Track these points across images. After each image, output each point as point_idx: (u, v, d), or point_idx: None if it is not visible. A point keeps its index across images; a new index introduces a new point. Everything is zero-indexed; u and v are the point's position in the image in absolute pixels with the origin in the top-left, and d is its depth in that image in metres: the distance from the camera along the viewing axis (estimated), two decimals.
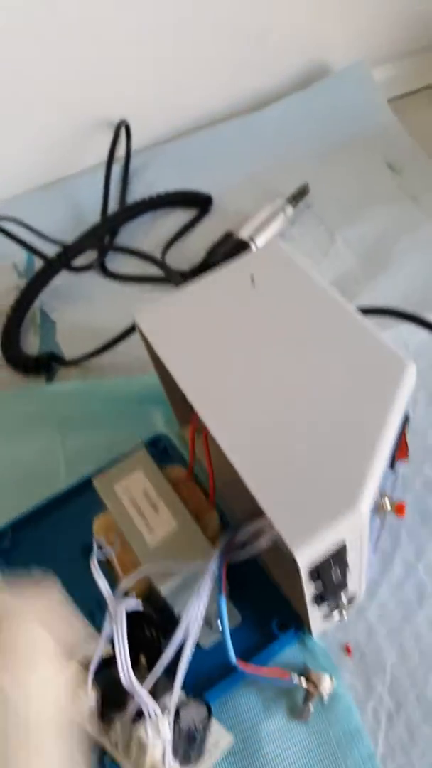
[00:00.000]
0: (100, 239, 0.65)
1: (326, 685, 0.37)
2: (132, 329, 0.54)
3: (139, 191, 0.72)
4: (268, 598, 0.40)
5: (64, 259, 0.62)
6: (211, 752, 0.34)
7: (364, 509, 0.29)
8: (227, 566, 0.34)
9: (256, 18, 0.73)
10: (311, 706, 0.37)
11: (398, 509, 0.33)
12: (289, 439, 0.32)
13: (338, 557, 0.30)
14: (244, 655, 0.38)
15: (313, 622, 0.36)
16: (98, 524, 0.39)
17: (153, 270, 0.62)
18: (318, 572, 0.30)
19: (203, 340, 0.37)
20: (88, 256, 0.65)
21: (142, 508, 0.38)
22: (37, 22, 0.64)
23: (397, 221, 0.64)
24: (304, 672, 0.37)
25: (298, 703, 0.37)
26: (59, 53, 0.67)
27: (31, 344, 0.60)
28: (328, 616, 0.37)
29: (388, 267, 0.60)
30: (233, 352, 0.36)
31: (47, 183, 0.75)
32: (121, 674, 0.30)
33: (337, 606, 0.37)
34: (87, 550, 0.44)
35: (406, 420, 0.35)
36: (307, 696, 0.37)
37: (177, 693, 0.31)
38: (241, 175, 0.71)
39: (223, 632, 0.33)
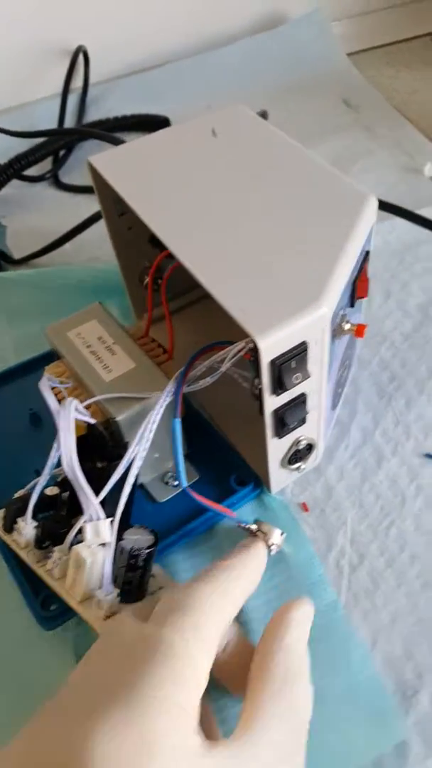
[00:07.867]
0: (54, 152, 0.64)
1: (276, 538, 0.35)
2: (82, 226, 0.53)
3: (96, 118, 0.71)
4: (226, 461, 0.39)
5: (16, 167, 0.60)
6: (154, 595, 0.32)
7: (326, 310, 0.29)
8: (184, 402, 0.33)
9: None
10: None
11: (358, 330, 0.33)
12: (251, 253, 0.31)
13: (300, 359, 0.29)
14: (201, 510, 0.37)
15: (271, 465, 0.35)
16: (50, 370, 0.37)
17: None
18: (279, 373, 0.29)
19: (161, 178, 0.36)
20: (42, 169, 0.64)
21: (97, 351, 0.36)
22: None
23: (352, 147, 0.65)
24: (256, 523, 0.36)
25: None
26: None
27: None
28: (287, 461, 0.36)
29: None
30: (193, 187, 0.36)
31: (2, 109, 0.74)
32: (64, 464, 0.28)
33: (297, 454, 0.36)
34: (35, 419, 0.42)
35: (366, 256, 0.35)
36: None
37: (124, 499, 0.29)
38: (198, 106, 0.72)
39: (175, 455, 0.31)
